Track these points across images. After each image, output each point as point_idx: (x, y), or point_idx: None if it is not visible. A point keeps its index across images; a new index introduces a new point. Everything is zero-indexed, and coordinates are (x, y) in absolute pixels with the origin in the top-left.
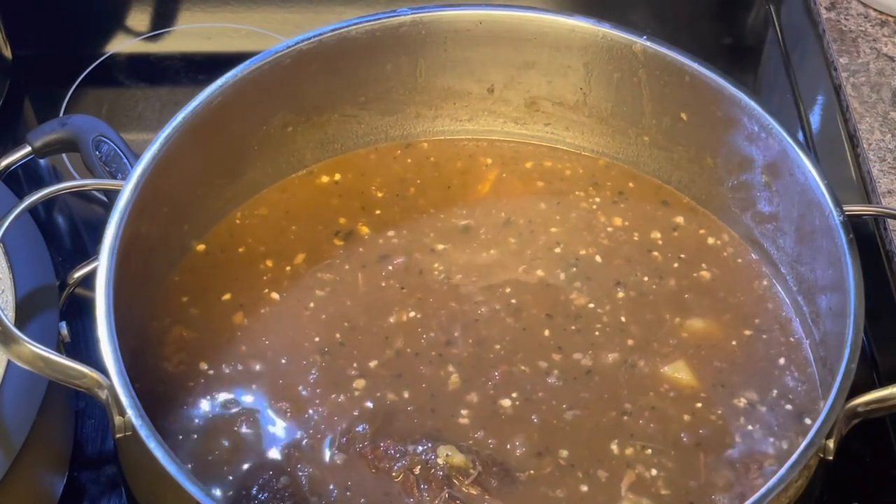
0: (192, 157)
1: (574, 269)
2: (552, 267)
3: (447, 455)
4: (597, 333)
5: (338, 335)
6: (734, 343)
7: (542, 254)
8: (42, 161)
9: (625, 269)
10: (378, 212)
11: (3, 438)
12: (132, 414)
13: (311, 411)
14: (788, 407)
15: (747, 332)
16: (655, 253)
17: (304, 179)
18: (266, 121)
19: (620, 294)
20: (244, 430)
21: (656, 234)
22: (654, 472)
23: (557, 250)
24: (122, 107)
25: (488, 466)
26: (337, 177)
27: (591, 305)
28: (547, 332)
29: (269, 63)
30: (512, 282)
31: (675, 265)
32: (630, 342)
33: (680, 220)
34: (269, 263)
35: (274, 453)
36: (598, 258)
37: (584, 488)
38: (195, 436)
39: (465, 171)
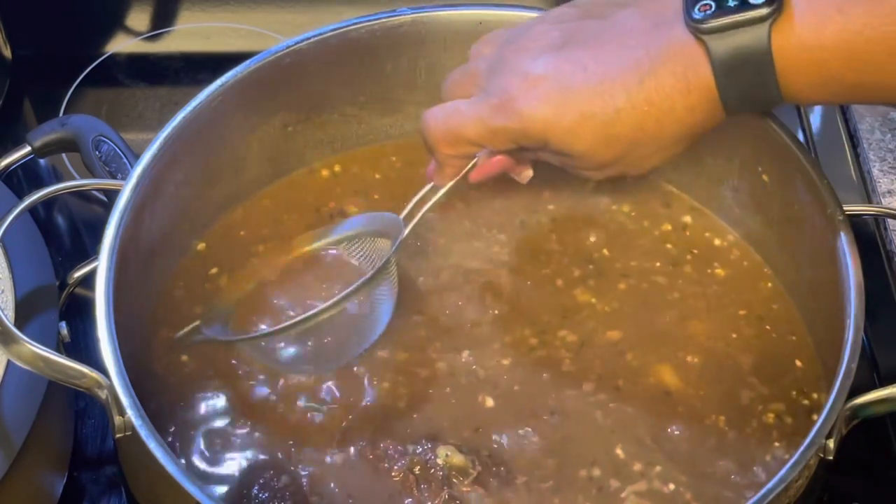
0: (191, 157)
1: (587, 265)
2: (557, 261)
3: (447, 455)
4: (604, 332)
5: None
6: (737, 343)
7: (543, 248)
8: (42, 161)
9: (633, 266)
10: (377, 197)
11: (3, 438)
12: (132, 414)
13: (311, 410)
14: (797, 404)
15: (751, 332)
16: (669, 245)
17: (305, 177)
18: (266, 121)
19: (628, 288)
20: (244, 428)
21: (667, 227)
22: (659, 478)
23: (559, 244)
24: (121, 107)
25: (488, 467)
26: (337, 168)
27: (601, 301)
28: (559, 338)
29: (269, 63)
30: (516, 277)
31: (688, 257)
32: (636, 341)
33: (688, 220)
34: (262, 248)
35: (274, 452)
36: (606, 252)
37: (586, 487)
38: (195, 435)
39: None
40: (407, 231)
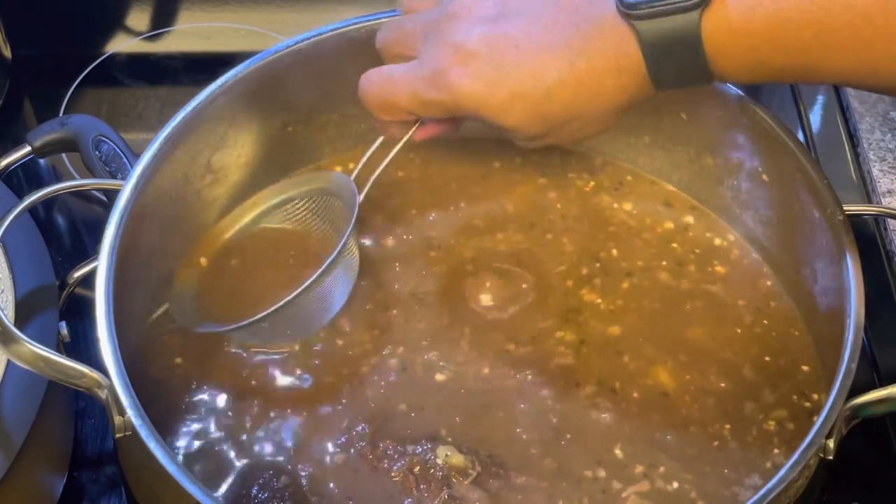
0: (192, 157)
1: (594, 264)
2: (567, 260)
3: (446, 455)
4: (605, 330)
5: (336, 328)
6: (737, 342)
7: (546, 247)
8: (42, 161)
9: (638, 265)
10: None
11: (3, 438)
12: (132, 414)
13: (310, 410)
14: (797, 404)
15: (751, 332)
16: (675, 244)
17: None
18: (266, 121)
19: (631, 288)
20: (244, 428)
21: (669, 227)
22: (662, 478)
23: (567, 245)
24: (121, 107)
25: (487, 467)
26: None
27: (605, 300)
28: (559, 337)
29: (269, 63)
30: (522, 275)
31: (691, 256)
32: (637, 341)
33: (689, 219)
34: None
35: (274, 452)
36: (615, 252)
37: (585, 488)
38: (195, 435)
39: (465, 170)
40: (361, 196)
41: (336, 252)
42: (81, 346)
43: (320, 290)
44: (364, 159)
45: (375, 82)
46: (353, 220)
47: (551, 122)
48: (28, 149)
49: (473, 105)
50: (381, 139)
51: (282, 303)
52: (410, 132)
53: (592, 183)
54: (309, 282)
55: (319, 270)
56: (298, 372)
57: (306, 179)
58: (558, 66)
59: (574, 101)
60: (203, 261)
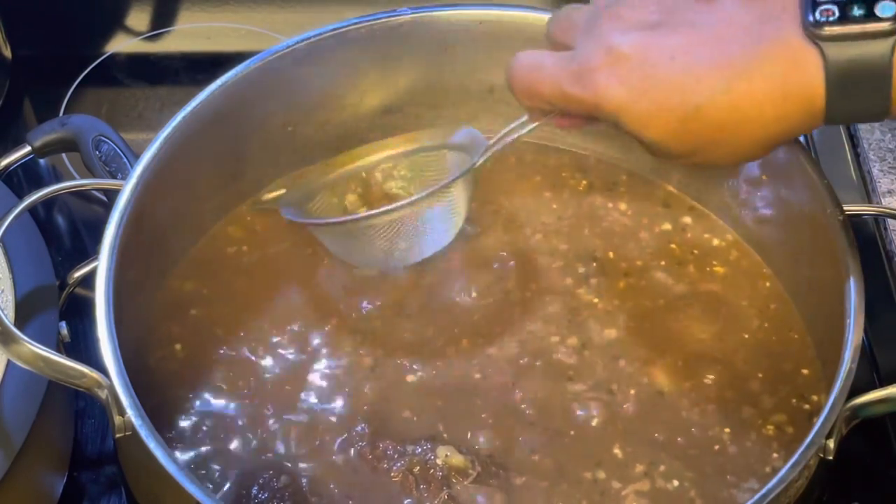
0: (192, 157)
1: (592, 264)
2: (562, 257)
3: (446, 455)
4: (609, 335)
5: (334, 328)
6: (739, 346)
7: (541, 247)
8: (42, 161)
9: (637, 265)
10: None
11: (3, 438)
12: (132, 414)
13: (309, 410)
14: (796, 407)
15: (750, 333)
16: (673, 245)
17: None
18: (266, 121)
19: (628, 288)
20: (244, 428)
21: (667, 227)
22: (662, 477)
23: (566, 244)
24: (121, 107)
25: (487, 467)
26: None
27: (602, 301)
28: (557, 338)
29: (269, 63)
30: (519, 276)
31: (689, 257)
32: (635, 342)
33: (687, 219)
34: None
35: (274, 452)
36: (611, 255)
37: (585, 488)
38: (195, 435)
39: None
40: (482, 159)
41: (445, 182)
42: (81, 346)
43: (412, 217)
44: (504, 131)
45: (525, 65)
46: (471, 166)
47: (694, 141)
48: (28, 149)
49: (613, 110)
50: (524, 116)
51: (375, 211)
52: (551, 116)
53: (585, 182)
54: (406, 202)
55: (416, 196)
56: (297, 370)
57: (443, 134)
58: (713, 85)
59: (724, 124)
60: (328, 177)
